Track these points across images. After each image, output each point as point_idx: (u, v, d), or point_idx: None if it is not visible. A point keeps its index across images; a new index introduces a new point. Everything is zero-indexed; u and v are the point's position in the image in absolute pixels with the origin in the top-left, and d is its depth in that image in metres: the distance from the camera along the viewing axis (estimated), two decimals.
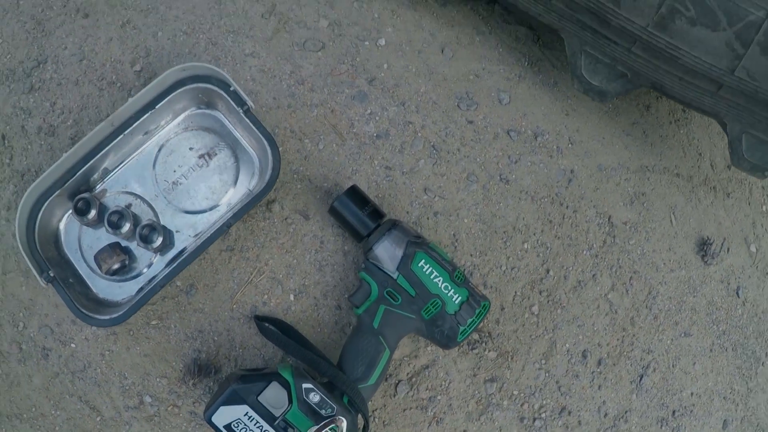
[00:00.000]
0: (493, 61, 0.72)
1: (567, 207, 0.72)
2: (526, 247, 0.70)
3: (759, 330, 0.85)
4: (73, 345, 0.65)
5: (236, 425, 0.52)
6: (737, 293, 0.83)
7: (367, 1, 0.70)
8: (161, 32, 0.70)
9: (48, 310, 0.65)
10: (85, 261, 0.62)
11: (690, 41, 0.56)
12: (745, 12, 0.54)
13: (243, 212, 0.59)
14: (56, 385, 0.65)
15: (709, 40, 0.55)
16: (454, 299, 0.56)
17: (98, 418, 0.64)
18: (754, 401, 0.84)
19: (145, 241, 0.60)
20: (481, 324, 0.67)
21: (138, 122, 0.60)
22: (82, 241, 0.62)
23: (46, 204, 0.60)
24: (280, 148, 0.61)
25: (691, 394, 0.79)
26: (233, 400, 0.52)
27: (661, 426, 0.77)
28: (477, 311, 0.57)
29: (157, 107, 0.60)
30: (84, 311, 0.58)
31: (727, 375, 0.82)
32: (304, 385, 0.52)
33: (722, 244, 0.83)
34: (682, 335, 0.78)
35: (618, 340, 0.74)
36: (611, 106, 0.74)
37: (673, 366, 0.78)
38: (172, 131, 0.63)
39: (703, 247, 0.81)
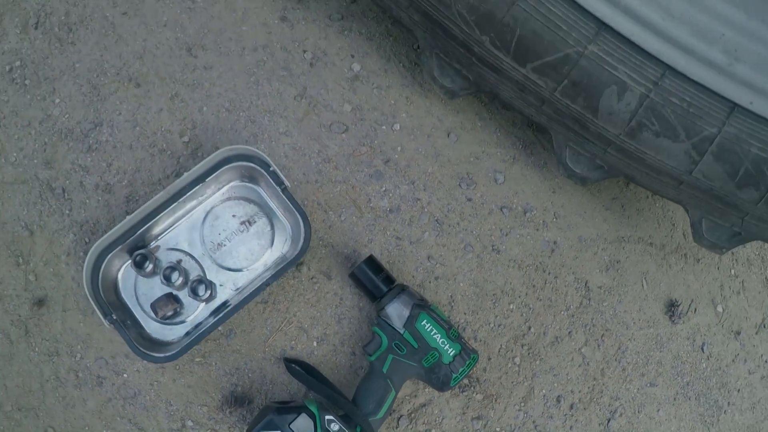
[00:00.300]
0: (492, 144, 0.95)
1: (549, 273, 0.95)
2: (511, 307, 0.92)
3: (722, 381, 1.07)
4: (125, 375, 0.86)
5: None
6: (702, 348, 1.05)
7: (386, 88, 0.93)
8: (206, 107, 0.92)
9: (103, 345, 0.87)
10: (140, 306, 0.84)
11: (655, 148, 0.78)
12: (701, 128, 0.76)
13: (279, 274, 0.80)
14: (109, 408, 0.86)
15: (671, 148, 0.77)
16: (449, 352, 0.79)
17: None
18: None
19: (195, 293, 0.82)
20: (471, 372, 0.89)
21: (190, 192, 0.82)
22: (137, 288, 0.84)
23: (108, 257, 0.81)
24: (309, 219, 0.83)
25: None
26: (270, 426, 0.73)
27: None
28: (467, 362, 0.80)
29: (207, 180, 0.82)
30: (141, 349, 0.79)
31: (689, 421, 1.04)
32: (327, 417, 0.74)
33: (690, 305, 1.05)
34: (648, 385, 1.00)
35: (589, 387, 0.95)
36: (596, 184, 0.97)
37: (638, 412, 0.99)
38: (218, 200, 0.85)
39: (671, 308, 1.03)
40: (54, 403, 0.86)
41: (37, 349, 0.87)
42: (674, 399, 1.02)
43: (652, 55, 0.72)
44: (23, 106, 0.91)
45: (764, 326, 1.10)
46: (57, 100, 0.91)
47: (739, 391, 1.07)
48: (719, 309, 1.07)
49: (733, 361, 1.07)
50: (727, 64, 0.71)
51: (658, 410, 1.00)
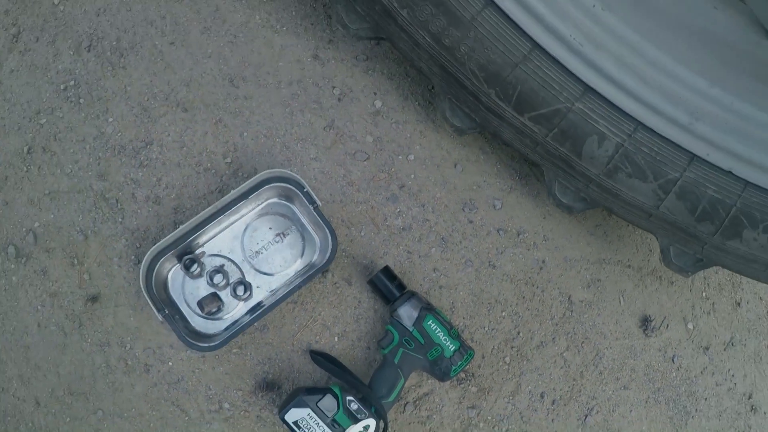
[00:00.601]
0: (492, 175, 1.21)
1: (537, 287, 1.21)
2: (503, 314, 1.19)
3: (690, 390, 1.33)
4: (170, 363, 1.10)
5: (301, 422, 0.97)
6: (673, 360, 1.31)
7: (403, 123, 1.19)
8: (246, 133, 1.17)
9: (151, 336, 1.10)
10: (186, 303, 1.08)
11: (628, 186, 1.02)
12: (666, 172, 1.01)
13: (309, 279, 1.05)
14: (154, 392, 1.10)
15: (641, 187, 1.02)
16: (450, 348, 1.04)
17: (186, 418, 1.09)
18: None
19: (235, 293, 1.06)
20: (467, 367, 1.15)
21: (234, 207, 1.06)
22: (184, 288, 1.08)
23: (161, 260, 1.05)
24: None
25: None
26: (300, 404, 0.98)
27: None
28: (465, 357, 1.06)
29: (249, 197, 1.06)
30: (188, 339, 1.03)
31: (659, 423, 1.29)
32: (348, 398, 0.98)
33: (663, 321, 1.31)
34: (622, 388, 1.26)
35: (569, 387, 1.21)
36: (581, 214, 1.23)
37: (612, 411, 1.25)
38: (257, 214, 1.10)
39: (645, 322, 1.29)
40: (104, 388, 1.10)
41: (89, 340, 1.10)
42: (646, 402, 1.27)
43: (627, 113, 0.97)
44: (78, 122, 1.15)
45: (732, 344, 1.36)
46: (110, 119, 1.16)
47: (706, 399, 1.33)
48: (690, 326, 1.33)
49: (701, 372, 1.33)
50: (688, 122, 0.97)
51: (631, 411, 1.25)
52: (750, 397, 1.37)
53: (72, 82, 1.17)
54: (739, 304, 1.40)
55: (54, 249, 1.12)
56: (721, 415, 1.34)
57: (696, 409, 1.32)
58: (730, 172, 0.98)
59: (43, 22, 1.18)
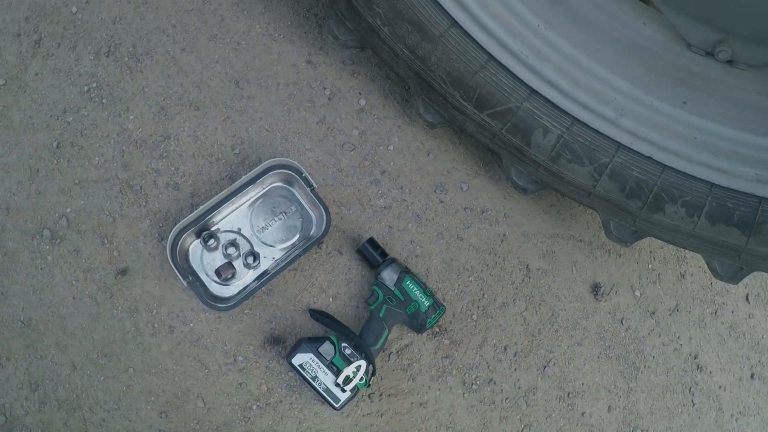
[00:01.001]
0: (460, 162, 1.63)
1: (499, 257, 1.62)
2: (470, 279, 1.60)
3: (639, 349, 1.74)
4: (191, 324, 1.49)
5: (305, 364, 1.37)
6: (621, 322, 1.72)
7: (383, 118, 1.60)
8: (251, 127, 1.56)
9: (174, 302, 1.49)
10: (205, 272, 1.46)
11: (569, 170, 1.43)
12: (598, 158, 1.41)
13: (306, 250, 1.45)
14: (178, 350, 1.48)
15: (579, 170, 1.42)
16: (425, 303, 1.45)
17: (206, 370, 1.48)
18: (635, 396, 1.73)
19: (246, 261, 1.45)
20: (440, 321, 1.56)
21: (244, 190, 1.45)
22: (203, 259, 1.46)
23: (183, 236, 1.44)
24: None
25: (582, 384, 1.67)
26: (304, 350, 1.37)
27: (559, 401, 1.65)
28: (438, 311, 1.47)
29: (256, 182, 1.46)
30: (209, 301, 1.42)
31: (611, 375, 1.70)
32: (342, 344, 1.38)
33: (612, 288, 1.72)
34: (576, 344, 1.67)
35: (529, 341, 1.62)
36: (535, 194, 1.63)
37: (568, 363, 1.66)
38: (263, 196, 1.49)
39: (596, 288, 1.70)
40: (133, 348, 1.49)
41: (120, 308, 1.49)
42: (598, 357, 1.68)
43: (565, 111, 1.37)
44: (102, 120, 1.54)
45: (677, 311, 1.78)
46: (131, 117, 1.54)
47: (654, 357, 1.74)
48: (637, 293, 1.74)
49: (648, 334, 1.74)
50: (615, 118, 1.37)
51: (585, 364, 1.67)
52: (696, 357, 1.79)
53: (94, 84, 1.55)
54: (683, 275, 1.82)
55: (85, 231, 1.50)
56: (669, 372, 1.76)
57: (645, 365, 1.74)
58: (651, 158, 1.38)
59: (63, 29, 1.57)
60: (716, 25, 1.28)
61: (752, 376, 1.85)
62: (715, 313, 1.84)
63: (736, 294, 1.89)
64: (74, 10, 1.58)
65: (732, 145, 1.36)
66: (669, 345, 1.77)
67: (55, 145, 1.52)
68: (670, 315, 1.79)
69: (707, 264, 1.46)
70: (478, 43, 1.33)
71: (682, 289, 1.81)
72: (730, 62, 1.33)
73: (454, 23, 1.31)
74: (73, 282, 1.49)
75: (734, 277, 1.45)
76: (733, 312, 1.86)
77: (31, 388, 1.47)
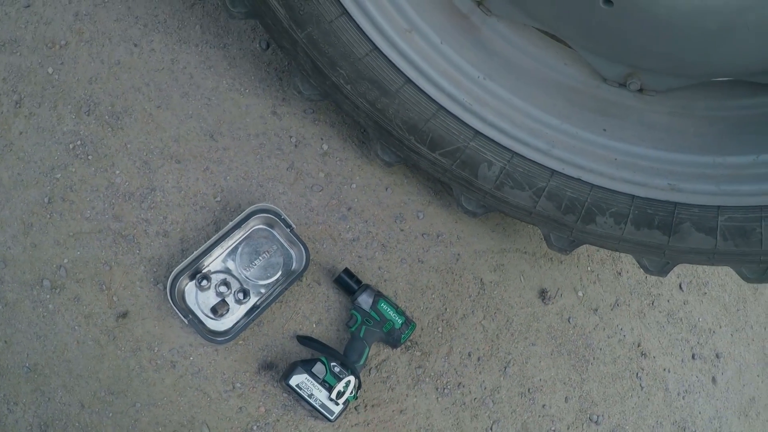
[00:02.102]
0: (414, 194, 1.98)
1: (456, 274, 1.98)
2: (433, 296, 1.95)
3: (586, 343, 2.12)
4: (191, 358, 1.79)
5: (302, 384, 1.70)
6: (569, 321, 2.10)
7: (345, 160, 1.94)
8: (229, 176, 1.88)
9: (173, 339, 1.79)
10: (201, 310, 1.77)
11: (512, 195, 1.77)
12: (536, 183, 1.77)
13: (289, 284, 1.78)
14: (181, 382, 1.78)
15: (521, 195, 1.77)
16: (398, 321, 1.81)
17: (208, 399, 1.78)
18: (588, 386, 2.10)
19: (237, 298, 1.78)
20: (412, 336, 1.90)
21: (230, 234, 1.77)
22: (197, 298, 1.78)
23: (180, 279, 1.76)
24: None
25: (540, 379, 2.03)
26: (299, 372, 1.70)
27: (522, 397, 2.01)
28: (410, 327, 1.83)
29: (241, 226, 1.78)
30: (208, 336, 1.74)
31: (565, 369, 2.08)
32: (332, 363, 1.72)
33: (557, 292, 2.10)
34: (531, 345, 2.04)
35: (489, 346, 1.99)
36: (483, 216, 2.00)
37: (526, 362, 2.02)
38: (247, 238, 1.81)
39: (543, 293, 2.08)
40: (138, 384, 1.77)
41: (122, 348, 1.77)
42: (551, 354, 2.06)
43: (505, 146, 1.73)
44: (89, 176, 1.82)
45: (618, 305, 2.18)
46: (117, 172, 1.84)
47: (601, 349, 2.13)
48: (580, 294, 2.13)
49: (594, 329, 2.13)
50: (547, 149, 1.71)
51: (540, 361, 2.04)
52: (639, 345, 2.19)
53: (78, 142, 1.83)
54: (620, 273, 2.22)
55: (83, 279, 1.78)
56: (616, 361, 2.15)
57: (593, 357, 2.12)
58: (580, 179, 1.70)
59: (42, 89, 1.85)
60: (627, 62, 1.63)
61: (693, 357, 2.26)
62: (653, 303, 2.25)
63: (670, 284, 2.30)
64: (50, 70, 1.87)
65: (647, 161, 1.69)
66: (613, 337, 2.16)
67: (46, 200, 1.80)
68: (612, 310, 2.18)
69: (638, 262, 1.81)
70: (429, 96, 1.65)
71: (620, 286, 2.21)
72: (640, 90, 1.68)
73: (408, 80, 1.64)
74: (76, 327, 1.76)
75: (662, 270, 1.81)
76: (668, 301, 2.27)
77: (41, 429, 1.71)
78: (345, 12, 1.58)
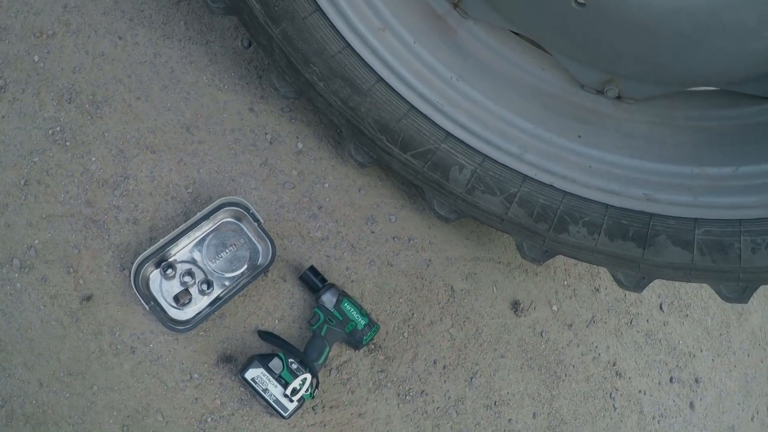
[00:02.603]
0: (388, 196, 2.00)
1: (426, 279, 1.99)
2: (401, 301, 1.96)
3: (559, 359, 2.11)
4: (151, 345, 1.81)
5: (257, 378, 1.71)
6: (541, 335, 2.09)
7: (319, 159, 1.97)
8: (202, 169, 1.90)
9: (135, 325, 1.81)
10: (164, 298, 1.79)
11: (483, 200, 1.78)
12: (508, 188, 1.77)
13: (254, 278, 1.80)
14: (139, 368, 1.80)
15: (492, 200, 1.78)
16: (361, 322, 1.81)
17: (165, 387, 1.80)
18: (558, 403, 2.09)
19: (201, 288, 1.79)
20: (375, 338, 1.91)
21: (198, 225, 1.79)
22: (161, 286, 1.79)
23: (144, 266, 1.77)
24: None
25: (508, 393, 2.03)
26: (255, 365, 1.71)
27: (487, 410, 2.00)
28: (373, 329, 1.83)
29: (209, 217, 1.80)
30: (169, 324, 1.75)
31: (534, 384, 2.07)
32: (289, 360, 1.73)
33: (530, 304, 2.10)
34: (500, 357, 2.03)
35: (456, 355, 1.98)
36: (456, 222, 2.00)
37: (493, 374, 2.02)
38: (215, 230, 1.83)
39: (516, 305, 2.07)
40: (97, 367, 1.80)
41: (84, 331, 1.80)
42: (521, 368, 2.05)
43: (476, 149, 1.74)
44: (66, 161, 1.86)
45: (594, 322, 2.17)
46: (93, 159, 1.87)
47: (574, 366, 2.12)
48: (554, 308, 2.12)
49: (567, 345, 2.12)
50: (519, 154, 1.73)
51: (509, 374, 2.03)
52: (614, 365, 2.17)
53: (58, 128, 1.87)
54: (597, 289, 2.21)
55: (52, 261, 1.81)
56: (589, 380, 2.14)
57: (565, 374, 2.11)
58: (552, 186, 1.71)
59: (27, 76, 1.89)
60: (603, 67, 1.65)
61: (671, 380, 2.25)
62: (631, 322, 2.24)
63: (650, 303, 2.29)
64: (36, 59, 1.92)
65: (622, 170, 1.69)
66: (588, 354, 2.15)
67: (22, 182, 1.83)
68: (587, 327, 2.17)
69: (612, 276, 1.80)
70: (400, 95, 1.68)
71: (598, 302, 2.20)
72: (618, 98, 1.69)
73: (380, 79, 1.66)
74: (41, 307, 1.79)
75: (638, 285, 1.79)
76: (648, 321, 2.26)
77: None
78: (318, 9, 1.62)
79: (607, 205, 1.69)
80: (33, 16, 1.95)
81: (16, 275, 1.80)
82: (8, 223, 1.81)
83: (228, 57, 2.03)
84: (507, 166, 1.73)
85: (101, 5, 2.00)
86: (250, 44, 2.06)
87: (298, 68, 1.69)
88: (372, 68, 1.67)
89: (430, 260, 2.04)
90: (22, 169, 1.84)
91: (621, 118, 1.74)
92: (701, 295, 2.40)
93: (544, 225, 1.73)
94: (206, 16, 2.05)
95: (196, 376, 1.82)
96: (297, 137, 2.01)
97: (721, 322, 2.40)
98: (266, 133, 1.99)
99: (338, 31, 1.64)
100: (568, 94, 1.75)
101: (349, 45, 1.65)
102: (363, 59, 1.66)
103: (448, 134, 1.71)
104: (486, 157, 1.72)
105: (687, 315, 2.35)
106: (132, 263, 1.76)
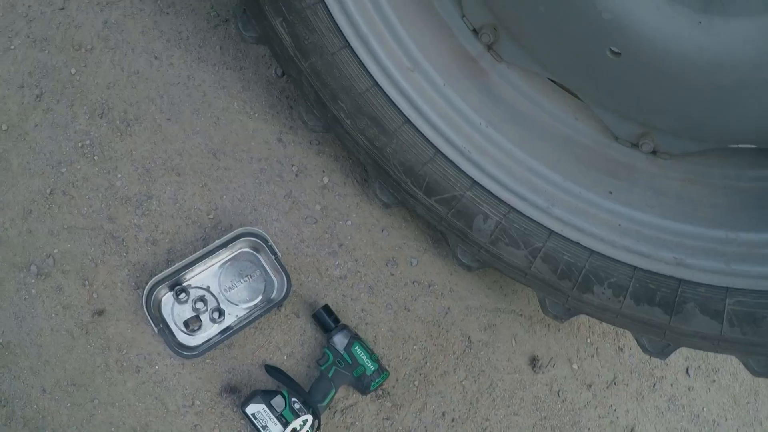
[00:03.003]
0: (411, 239, 1.99)
1: (443, 328, 1.96)
2: (414, 348, 1.94)
3: (574, 420, 2.06)
4: (157, 366, 1.81)
5: (257, 414, 1.70)
6: (558, 394, 2.04)
7: (344, 195, 1.96)
8: (225, 196, 1.91)
9: (143, 345, 1.81)
10: (174, 322, 1.79)
11: (507, 252, 1.75)
12: (533, 242, 1.74)
13: (267, 311, 1.79)
14: (142, 388, 1.80)
15: (516, 253, 1.75)
16: (370, 367, 1.79)
17: (165, 410, 1.80)
18: None
19: (212, 316, 1.78)
20: (384, 385, 1.88)
21: (216, 252, 1.79)
22: (173, 310, 1.80)
23: (158, 288, 1.77)
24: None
25: None
26: (257, 401, 1.70)
27: None
28: (382, 376, 1.82)
29: (228, 246, 1.79)
30: (176, 348, 1.74)
31: None
32: (292, 399, 1.72)
33: (550, 361, 2.05)
34: (512, 414, 1.99)
35: (466, 409, 1.94)
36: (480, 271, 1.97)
37: None
38: (232, 259, 1.83)
39: (534, 361, 2.03)
40: (101, 382, 1.80)
41: (93, 344, 1.81)
42: (533, 427, 2.00)
43: (502, 200, 1.71)
44: (92, 175, 1.88)
45: (615, 384, 2.11)
46: (119, 175, 1.89)
47: (589, 429, 2.06)
48: (575, 366, 2.07)
49: (585, 406, 2.07)
50: (546, 207, 1.69)
51: None
52: (632, 430, 2.11)
53: (88, 142, 1.91)
54: (621, 349, 2.15)
55: (69, 271, 1.83)
56: None
57: None
58: (579, 243, 1.68)
59: (62, 87, 1.94)
60: (639, 120, 1.60)
61: None
62: (654, 386, 2.17)
63: (676, 367, 2.22)
64: (73, 71, 1.96)
65: (653, 230, 1.64)
66: (605, 417, 2.09)
67: (48, 191, 1.87)
68: (608, 388, 2.11)
69: (636, 340, 1.75)
70: (427, 139, 1.66)
71: (621, 363, 2.15)
72: (653, 152, 1.64)
73: (407, 120, 1.65)
74: (53, 315, 1.81)
75: (662, 352, 1.73)
76: (672, 385, 2.19)
77: (0, 404, 1.77)
78: (348, 45, 1.61)
79: (634, 267, 1.64)
80: (74, 29, 2.00)
81: (33, 281, 1.83)
82: (30, 230, 1.85)
83: (260, 85, 2.04)
84: (533, 219, 1.69)
85: (140, 24, 2.04)
86: (283, 73, 2.06)
87: (326, 103, 1.68)
88: (399, 109, 1.65)
89: (449, 308, 2.02)
90: (49, 178, 1.87)
91: (655, 174, 1.69)
92: (730, 359, 2.31)
93: (568, 283, 1.69)
94: (241, 42, 2.07)
95: (198, 402, 1.82)
96: (323, 171, 2.01)
97: (749, 390, 2.32)
98: (293, 165, 1.99)
99: (367, 69, 1.63)
100: (601, 146, 1.71)
101: (377, 83, 1.64)
102: (391, 99, 1.65)
103: (474, 182, 1.68)
104: (512, 208, 1.69)
105: (714, 381, 2.27)
106: (146, 283, 1.76)
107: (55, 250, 1.84)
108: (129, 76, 1.98)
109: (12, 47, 1.98)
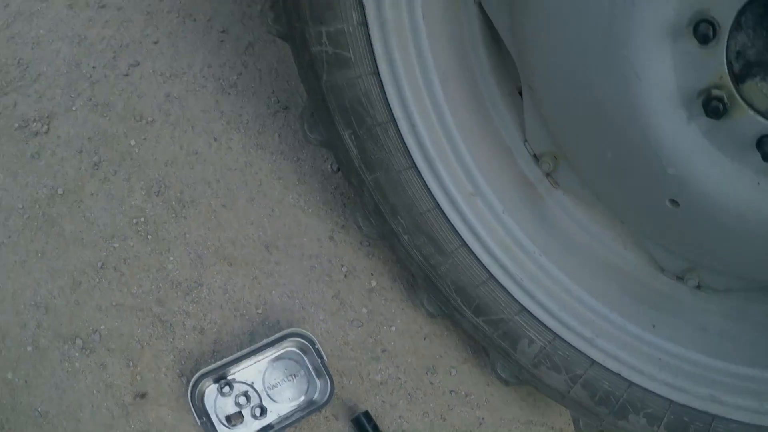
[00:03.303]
0: (452, 348, 2.05)
1: None
2: None
3: None
4: None
5: None
6: None
7: (390, 300, 2.02)
8: (275, 291, 1.95)
9: None
10: (216, 414, 1.83)
11: (548, 376, 1.79)
12: (574, 369, 1.79)
13: (309, 413, 1.84)
14: None
15: (556, 377, 1.78)
16: None
17: None
18: None
19: (254, 413, 1.83)
20: None
21: (262, 350, 1.84)
22: (216, 402, 1.84)
23: (203, 380, 1.82)
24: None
25: None
26: None
27: None
28: None
29: (275, 344, 1.84)
30: None
31: None
32: None
33: None
34: None
35: None
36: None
37: None
38: (278, 357, 1.88)
39: None
40: None
41: (132, 426, 1.84)
42: None
43: (548, 327, 1.76)
44: (144, 254, 1.93)
45: None
46: (171, 258, 1.94)
47: None
48: None
49: None
50: (591, 338, 1.75)
51: None
52: None
53: (142, 219, 1.96)
54: None
55: (114, 350, 1.87)
56: None
57: None
58: (619, 374, 1.74)
59: (121, 158, 1.99)
60: (687, 257, 1.67)
61: None
62: None
63: None
64: (132, 143, 2.01)
65: (692, 366, 1.69)
66: None
67: (99, 265, 1.91)
68: None
69: None
70: (482, 263, 1.72)
71: None
72: (698, 287, 1.70)
73: (464, 244, 1.70)
74: (95, 392, 1.84)
75: None
76: None
77: None
78: (414, 166, 1.66)
79: (671, 401, 1.69)
80: (136, 98, 2.05)
81: (77, 354, 1.86)
82: (78, 302, 1.88)
83: (316, 179, 2.10)
84: (576, 348, 1.74)
85: (202, 101, 2.09)
86: (338, 169, 2.11)
87: (385, 217, 1.73)
88: (458, 232, 1.70)
89: (483, 418, 2.06)
90: (100, 252, 1.92)
91: (697, 308, 1.74)
92: None
93: (604, 409, 1.74)
94: (300, 132, 2.10)
95: None
96: (372, 274, 2.07)
97: None
98: (342, 265, 2.04)
99: (430, 191, 1.67)
100: (646, 277, 1.77)
101: (438, 206, 1.69)
102: (450, 222, 1.70)
103: (523, 308, 1.73)
104: (557, 336, 1.74)
105: None
106: (192, 372, 1.81)
107: (102, 327, 1.88)
108: (188, 155, 2.04)
109: (74, 108, 2.04)
